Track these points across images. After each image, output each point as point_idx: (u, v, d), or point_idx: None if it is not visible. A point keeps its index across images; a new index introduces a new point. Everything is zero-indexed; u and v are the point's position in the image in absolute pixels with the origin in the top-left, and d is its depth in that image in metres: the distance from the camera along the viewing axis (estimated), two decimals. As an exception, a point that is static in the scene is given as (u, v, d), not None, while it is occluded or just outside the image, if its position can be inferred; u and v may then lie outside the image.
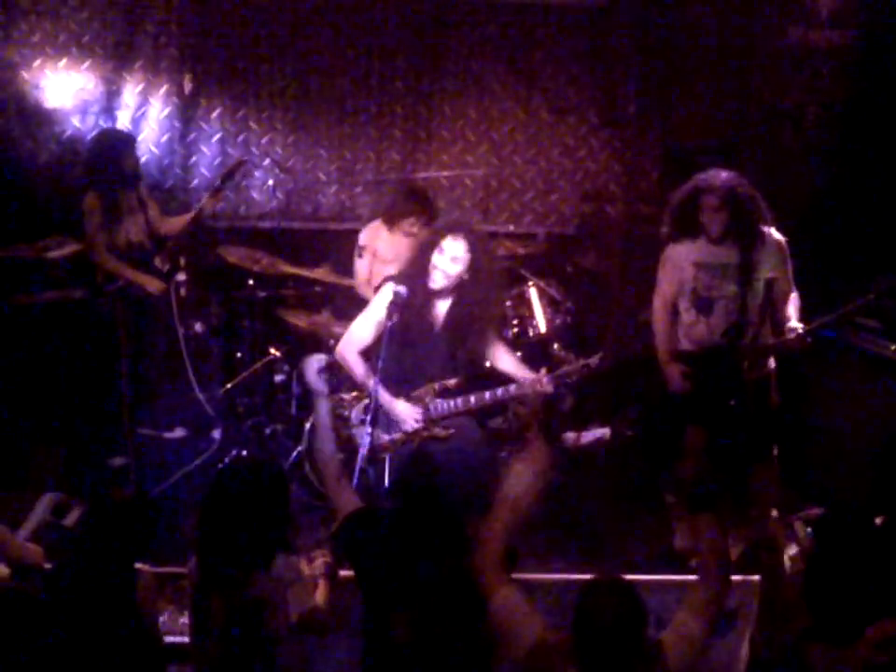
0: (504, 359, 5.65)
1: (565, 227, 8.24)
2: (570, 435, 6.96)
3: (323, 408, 4.61)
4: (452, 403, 5.43)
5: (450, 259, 5.35)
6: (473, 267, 5.40)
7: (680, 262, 5.64)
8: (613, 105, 8.12)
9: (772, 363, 5.61)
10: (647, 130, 8.13)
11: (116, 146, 6.72)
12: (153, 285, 6.59)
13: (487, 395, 5.45)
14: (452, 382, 5.45)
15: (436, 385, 5.43)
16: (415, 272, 5.41)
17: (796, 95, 7.96)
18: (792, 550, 5.74)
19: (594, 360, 5.45)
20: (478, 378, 5.70)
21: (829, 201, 7.30)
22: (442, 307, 5.50)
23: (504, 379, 5.54)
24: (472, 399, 5.43)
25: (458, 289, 5.45)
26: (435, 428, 5.42)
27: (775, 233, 5.56)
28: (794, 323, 5.45)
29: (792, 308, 5.54)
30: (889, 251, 6.63)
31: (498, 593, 3.68)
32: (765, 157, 7.74)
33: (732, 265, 5.49)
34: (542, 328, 6.94)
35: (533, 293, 7.01)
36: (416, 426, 5.40)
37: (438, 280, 5.38)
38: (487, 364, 5.70)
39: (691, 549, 5.28)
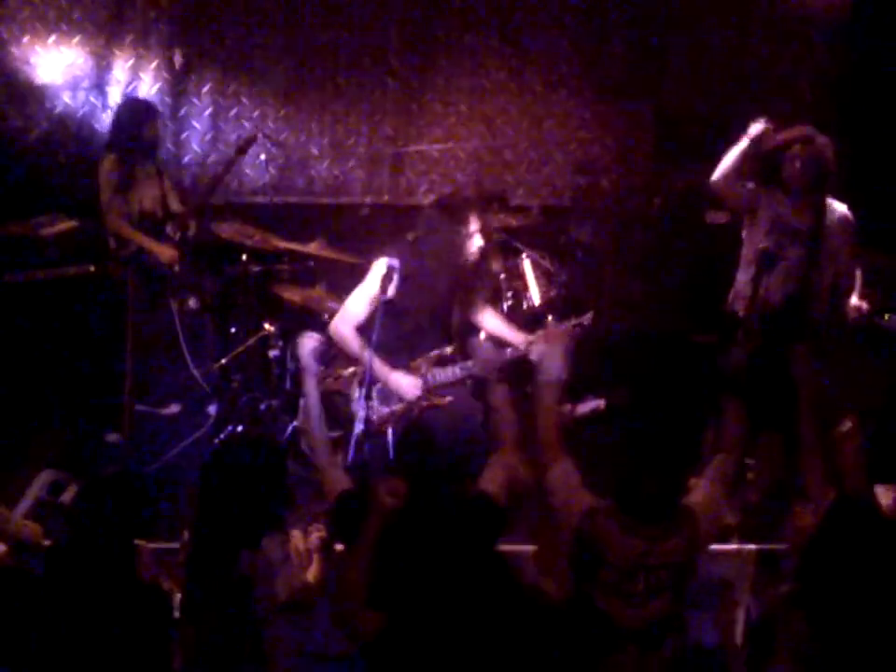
0: (493, 323, 5.69)
1: (558, 199, 8.23)
2: (566, 406, 6.97)
3: (312, 386, 4.60)
4: (450, 371, 5.44)
5: (480, 232, 5.39)
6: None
7: (763, 212, 5.61)
8: (606, 76, 8.09)
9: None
10: (639, 101, 8.11)
11: (135, 114, 6.74)
12: (165, 253, 6.59)
13: None
14: (448, 350, 5.47)
15: (433, 354, 5.44)
16: (442, 246, 5.41)
17: (790, 64, 7.95)
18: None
19: (586, 319, 5.50)
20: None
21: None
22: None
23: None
24: (471, 363, 5.46)
25: None
26: (434, 397, 5.43)
27: (842, 206, 5.56)
28: (856, 301, 5.47)
29: (855, 285, 5.56)
30: (882, 220, 6.62)
31: (557, 466, 4.00)
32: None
33: (803, 230, 5.48)
34: (536, 300, 6.95)
35: (527, 265, 7.01)
36: (415, 395, 5.41)
37: (475, 254, 5.41)
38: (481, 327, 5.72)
39: None
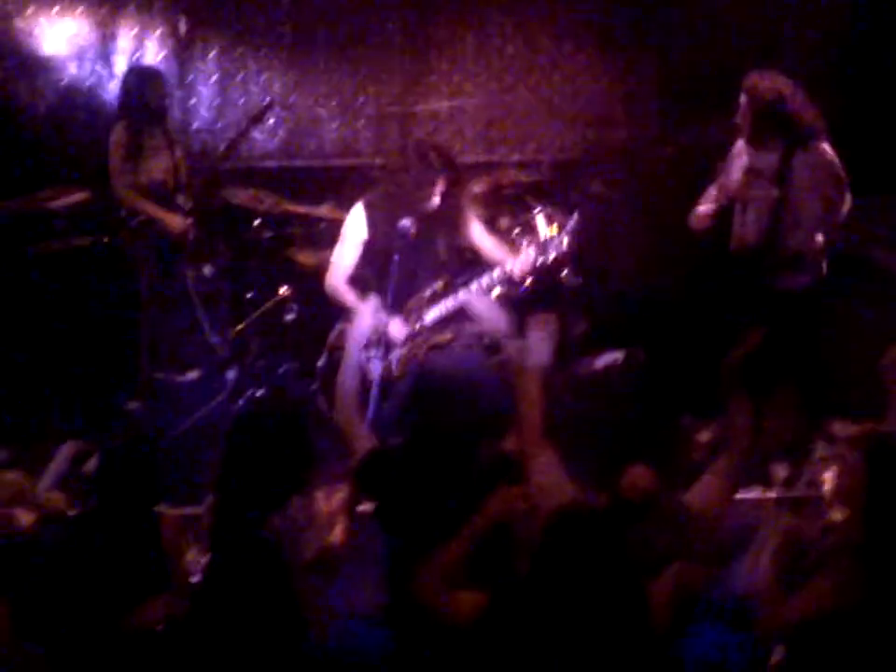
0: (483, 239, 5.68)
1: (568, 153, 8.19)
2: (583, 361, 6.97)
3: (357, 342, 4.58)
4: (443, 305, 5.45)
5: (441, 180, 5.39)
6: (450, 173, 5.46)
7: (734, 159, 5.73)
8: (611, 28, 8.03)
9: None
10: (644, 54, 8.04)
11: (140, 80, 6.79)
12: (174, 222, 6.61)
13: (474, 285, 5.48)
14: (440, 284, 5.47)
15: (425, 293, 5.45)
16: (404, 194, 5.42)
17: (796, 22, 7.86)
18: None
19: (574, 223, 5.52)
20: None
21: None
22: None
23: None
24: (461, 293, 5.46)
25: None
26: (434, 336, 5.44)
27: (826, 149, 5.57)
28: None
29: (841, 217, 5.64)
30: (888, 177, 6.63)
31: (540, 456, 3.85)
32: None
33: (769, 169, 5.54)
34: (550, 255, 6.92)
35: (539, 220, 6.99)
36: (402, 336, 5.44)
37: (434, 202, 5.42)
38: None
39: None
